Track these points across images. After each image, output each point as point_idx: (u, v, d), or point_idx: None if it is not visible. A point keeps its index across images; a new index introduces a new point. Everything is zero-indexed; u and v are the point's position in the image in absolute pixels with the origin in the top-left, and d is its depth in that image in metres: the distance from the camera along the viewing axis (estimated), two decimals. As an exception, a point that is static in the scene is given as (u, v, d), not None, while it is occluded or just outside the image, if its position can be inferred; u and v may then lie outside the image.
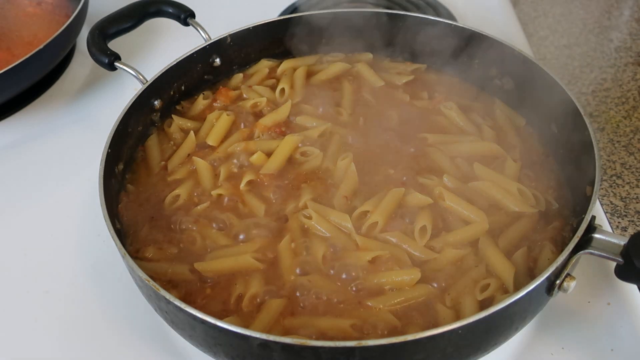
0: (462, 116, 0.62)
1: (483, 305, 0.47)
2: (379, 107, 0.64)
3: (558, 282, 0.44)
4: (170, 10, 0.68)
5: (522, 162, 0.57)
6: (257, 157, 0.58)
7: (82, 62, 0.84)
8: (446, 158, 0.58)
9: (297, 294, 0.48)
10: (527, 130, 0.62)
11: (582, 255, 0.45)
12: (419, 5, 0.90)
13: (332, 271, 0.49)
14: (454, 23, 0.68)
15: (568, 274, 0.44)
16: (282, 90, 0.66)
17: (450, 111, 0.62)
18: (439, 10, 0.88)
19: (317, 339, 0.44)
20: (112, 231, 0.47)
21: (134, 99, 0.59)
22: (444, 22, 0.68)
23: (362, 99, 0.66)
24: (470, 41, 0.66)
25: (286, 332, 0.45)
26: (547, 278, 0.42)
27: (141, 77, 0.61)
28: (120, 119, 0.56)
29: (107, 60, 0.62)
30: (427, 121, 0.63)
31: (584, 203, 0.48)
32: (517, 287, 0.46)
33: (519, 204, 0.53)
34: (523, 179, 0.56)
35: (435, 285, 0.49)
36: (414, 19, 0.69)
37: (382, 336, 0.45)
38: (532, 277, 0.48)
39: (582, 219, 0.45)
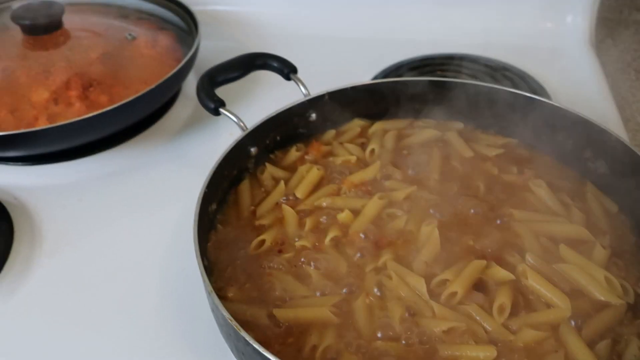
0: (551, 195, 0.62)
1: (560, 393, 0.45)
2: (466, 177, 0.65)
3: (644, 380, 0.42)
4: (275, 65, 0.72)
5: (611, 249, 0.56)
6: (344, 215, 0.59)
7: (185, 104, 0.90)
8: (531, 236, 0.58)
9: (371, 354, 0.48)
10: (619, 217, 0.61)
11: (673, 355, 0.43)
12: (512, 79, 0.91)
13: (407, 335, 0.49)
14: (549, 101, 0.68)
15: (655, 374, 0.42)
16: (372, 150, 0.68)
17: (539, 189, 0.62)
18: (532, 85, 0.89)
19: (387, 402, 0.44)
20: (202, 268, 0.49)
21: (233, 145, 0.62)
22: (538, 99, 0.68)
23: (450, 166, 0.66)
24: (564, 120, 0.66)
25: (356, 391, 0.46)
26: (633, 375, 0.41)
27: (242, 124, 0.65)
28: (219, 161, 0.60)
29: (213, 106, 0.66)
30: (514, 196, 0.62)
31: (678, 301, 0.46)
32: (599, 380, 0.45)
33: (606, 292, 0.51)
34: (611, 267, 0.54)
35: (511, 365, 0.48)
36: (507, 93, 0.69)
37: (453, 410, 0.44)
38: (615, 371, 0.47)
39: (675, 317, 0.43)
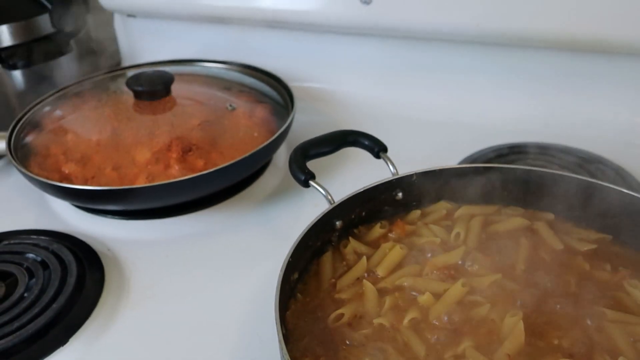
0: (648, 298, 0.58)
1: None
2: (555, 270, 0.62)
3: None
4: (366, 143, 0.73)
5: None
6: (425, 298, 0.58)
7: (274, 174, 0.93)
8: (625, 339, 0.54)
9: None
10: None
11: None
12: (607, 173, 0.88)
13: None
14: (648, 199, 0.65)
15: None
16: (457, 234, 0.67)
17: (635, 290, 0.59)
18: (628, 181, 0.86)
19: None
20: (281, 336, 0.49)
21: (319, 216, 0.63)
22: (635, 196, 0.65)
23: (537, 257, 0.64)
24: (664, 221, 0.63)
25: None
26: None
27: (330, 197, 0.66)
28: (305, 232, 0.61)
29: (303, 178, 0.68)
30: (606, 295, 0.59)
31: None
32: None
33: None
34: None
35: None
36: (602, 187, 0.67)
37: None
38: None
39: None
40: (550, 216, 0.70)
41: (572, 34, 0.93)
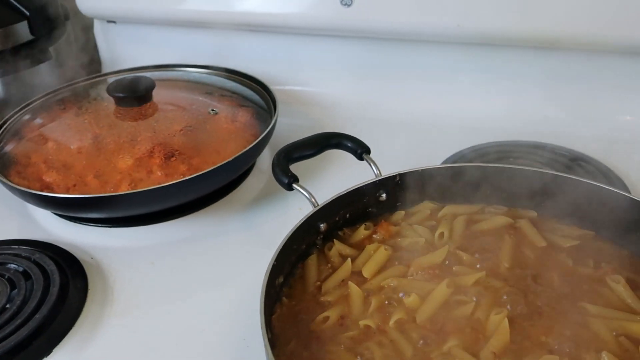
0: (630, 293, 0.59)
1: None
2: (539, 267, 0.63)
3: None
4: (349, 145, 0.74)
5: (699, 356, 0.52)
6: (411, 300, 0.59)
7: (258, 178, 0.93)
8: (609, 334, 0.55)
9: None
10: None
11: None
12: (588, 170, 0.89)
13: None
14: (629, 195, 0.66)
15: None
16: (441, 234, 0.67)
17: (617, 285, 0.59)
18: (610, 178, 0.86)
19: None
20: (267, 340, 0.49)
21: (303, 220, 0.63)
22: (617, 192, 0.66)
23: (521, 255, 0.65)
24: (643, 215, 0.64)
25: None
26: None
27: (313, 200, 0.66)
28: (289, 235, 0.61)
29: (287, 181, 0.68)
30: (589, 291, 0.60)
31: None
32: None
33: (693, 403, 0.48)
34: (699, 375, 0.51)
35: None
36: (584, 184, 0.68)
37: None
38: None
39: None
40: (533, 214, 0.71)
41: (554, 33, 0.94)
